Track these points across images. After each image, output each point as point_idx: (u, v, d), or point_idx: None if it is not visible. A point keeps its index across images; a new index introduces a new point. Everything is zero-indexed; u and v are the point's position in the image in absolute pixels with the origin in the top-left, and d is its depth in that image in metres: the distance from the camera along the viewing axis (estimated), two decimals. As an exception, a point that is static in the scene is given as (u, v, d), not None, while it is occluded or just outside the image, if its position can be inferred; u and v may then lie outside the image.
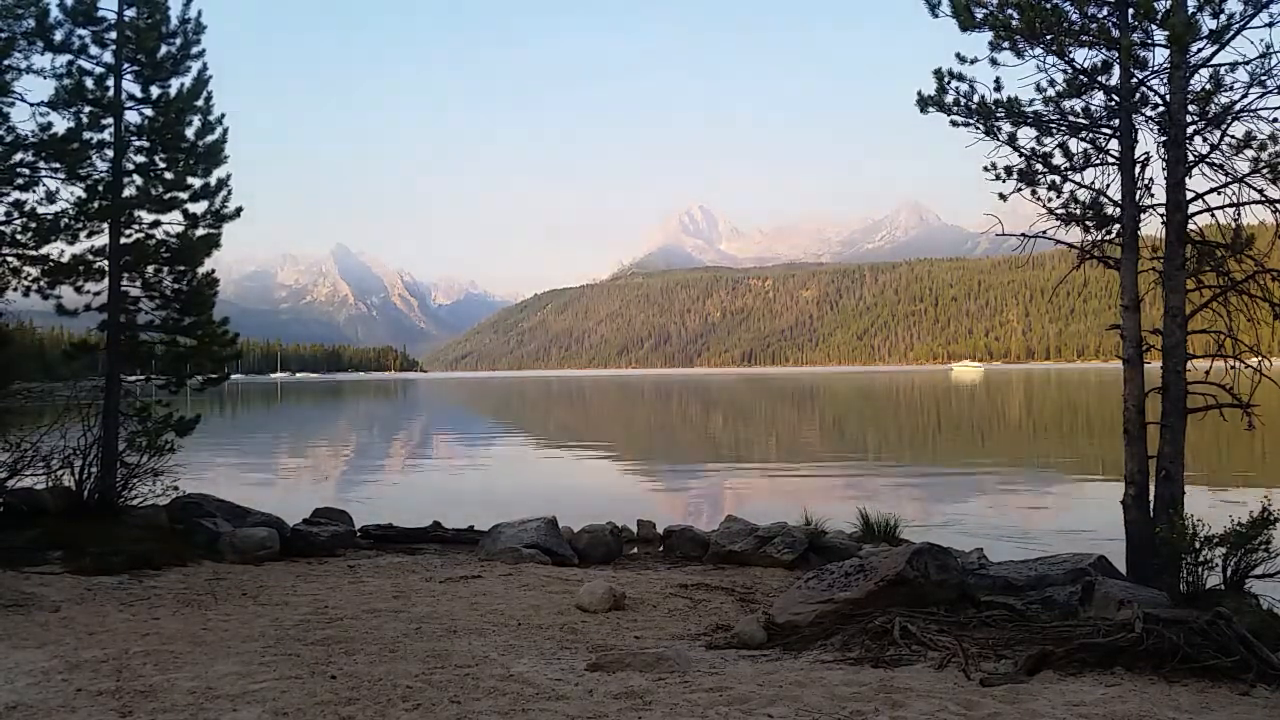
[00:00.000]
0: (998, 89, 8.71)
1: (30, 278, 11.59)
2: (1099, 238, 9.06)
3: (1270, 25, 7.72)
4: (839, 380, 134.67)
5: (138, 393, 12.30)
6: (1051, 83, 8.65)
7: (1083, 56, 8.42)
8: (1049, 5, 8.04)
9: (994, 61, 8.57)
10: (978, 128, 8.96)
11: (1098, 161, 8.89)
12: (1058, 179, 9.10)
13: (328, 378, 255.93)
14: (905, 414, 50.63)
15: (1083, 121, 8.80)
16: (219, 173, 12.49)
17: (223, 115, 12.49)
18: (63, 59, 11.49)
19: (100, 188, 11.86)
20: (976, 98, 8.76)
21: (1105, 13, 8.28)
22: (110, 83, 11.87)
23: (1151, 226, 8.70)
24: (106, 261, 11.93)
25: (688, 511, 15.87)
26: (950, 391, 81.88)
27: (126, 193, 12.08)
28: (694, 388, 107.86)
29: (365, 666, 5.61)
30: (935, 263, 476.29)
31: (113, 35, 11.83)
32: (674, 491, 19.51)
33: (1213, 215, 8.48)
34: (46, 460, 11.44)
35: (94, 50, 11.75)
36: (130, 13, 12.00)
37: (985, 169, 9.16)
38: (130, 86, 12.14)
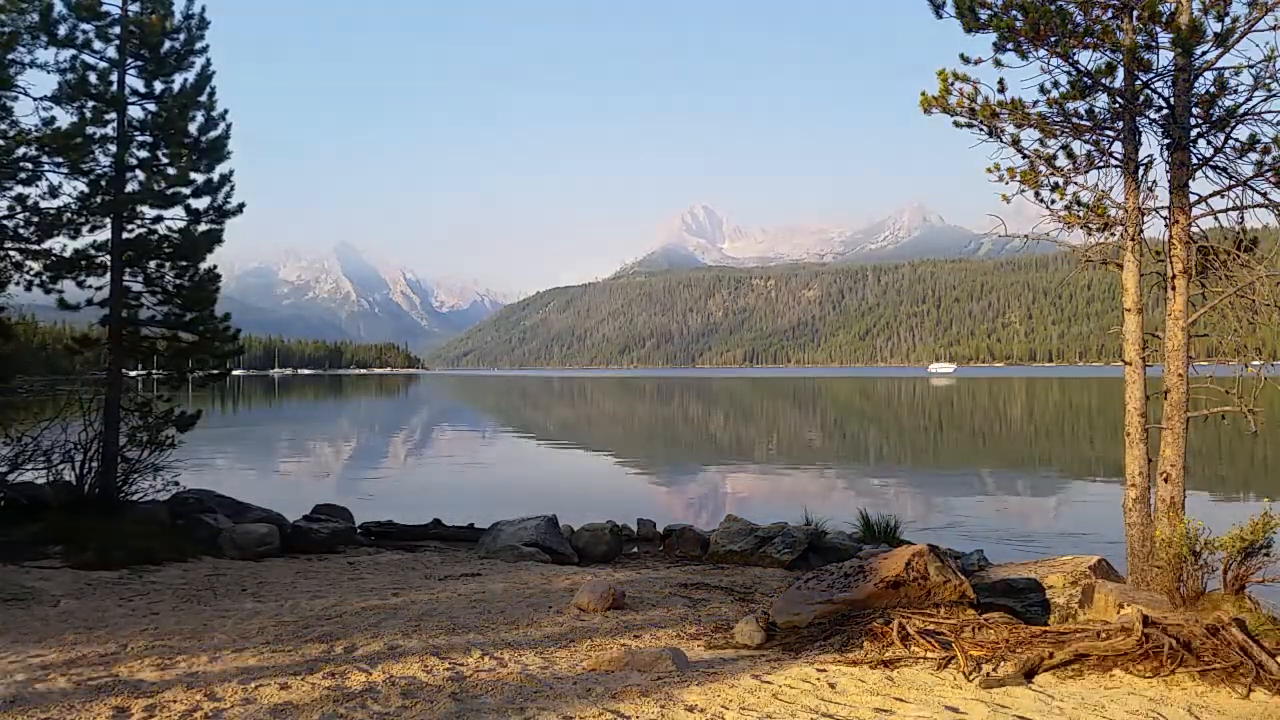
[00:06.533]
0: (1001, 90, 8.67)
1: (32, 272, 11.63)
2: (1102, 240, 9.03)
3: (1275, 29, 7.69)
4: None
5: (139, 388, 12.32)
6: (1055, 84, 8.62)
7: (1087, 59, 8.38)
8: (1053, 7, 8.01)
9: (998, 63, 8.53)
10: (981, 129, 8.93)
11: (1101, 164, 8.87)
12: (1061, 181, 9.06)
13: (325, 373, 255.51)
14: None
15: (1086, 124, 8.77)
16: (222, 168, 12.55)
17: (225, 111, 12.54)
18: (66, 54, 11.54)
19: (103, 183, 11.90)
20: (980, 99, 8.73)
21: (1110, 15, 8.25)
22: (114, 78, 11.90)
23: (1155, 229, 8.69)
24: (109, 256, 11.96)
25: (688, 511, 15.84)
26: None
27: (129, 188, 12.12)
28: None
29: (364, 663, 5.62)
30: (938, 263, 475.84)
31: (117, 30, 11.86)
32: (674, 491, 19.49)
33: (1216, 218, 8.47)
34: (48, 455, 11.47)
35: (98, 45, 11.79)
36: (134, 8, 12.03)
37: (988, 170, 9.13)
38: (134, 82, 12.19)
